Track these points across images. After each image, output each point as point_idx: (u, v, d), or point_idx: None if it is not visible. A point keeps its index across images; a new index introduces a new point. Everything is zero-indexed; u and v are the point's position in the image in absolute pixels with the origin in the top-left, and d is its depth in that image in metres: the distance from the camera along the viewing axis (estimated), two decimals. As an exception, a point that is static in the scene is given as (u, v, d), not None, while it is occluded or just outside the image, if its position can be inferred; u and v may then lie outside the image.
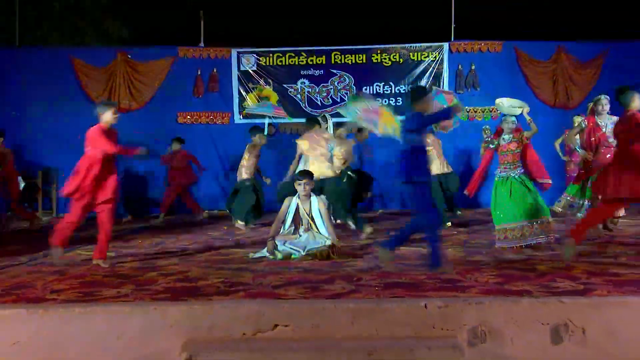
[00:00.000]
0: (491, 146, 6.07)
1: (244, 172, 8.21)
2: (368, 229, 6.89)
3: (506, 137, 5.95)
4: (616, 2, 11.69)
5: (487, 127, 5.78)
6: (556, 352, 3.38)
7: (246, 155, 8.25)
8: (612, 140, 6.52)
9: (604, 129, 6.49)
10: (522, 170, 5.94)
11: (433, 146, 7.70)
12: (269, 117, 10.06)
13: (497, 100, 6.24)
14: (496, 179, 5.99)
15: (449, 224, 7.70)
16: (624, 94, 5.08)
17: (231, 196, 8.39)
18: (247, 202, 8.06)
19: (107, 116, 5.14)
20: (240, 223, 7.99)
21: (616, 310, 3.50)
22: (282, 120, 10.64)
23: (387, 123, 5.92)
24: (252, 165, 8.24)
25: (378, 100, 7.18)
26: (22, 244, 6.59)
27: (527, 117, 5.97)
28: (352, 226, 7.31)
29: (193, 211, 9.79)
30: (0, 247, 6.25)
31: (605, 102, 6.56)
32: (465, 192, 6.56)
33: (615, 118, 6.61)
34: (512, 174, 5.86)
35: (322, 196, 6.12)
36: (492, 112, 10.51)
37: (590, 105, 7.03)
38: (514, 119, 5.99)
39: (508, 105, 6.05)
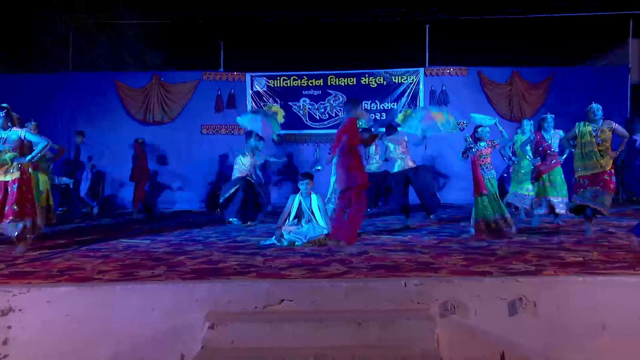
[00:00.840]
0: (473, 150, 5.88)
1: (238, 172, 7.56)
2: None
3: (482, 143, 5.82)
4: (561, 36, 11.79)
5: (467, 137, 5.72)
6: (512, 321, 3.37)
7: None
8: (556, 149, 6.59)
9: (548, 141, 6.55)
10: (495, 173, 5.87)
11: (400, 144, 6.98)
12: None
13: (472, 115, 6.32)
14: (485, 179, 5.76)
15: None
16: None
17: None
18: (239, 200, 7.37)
19: (358, 112, 4.92)
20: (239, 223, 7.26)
21: (562, 287, 3.49)
22: (288, 132, 10.60)
23: (441, 121, 6.07)
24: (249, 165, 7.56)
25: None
26: (73, 234, 6.55)
27: (500, 127, 6.28)
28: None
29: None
30: (56, 237, 6.20)
31: (550, 119, 6.64)
32: (481, 193, 6.04)
33: (560, 132, 6.61)
34: (489, 175, 5.76)
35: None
36: (459, 124, 10.49)
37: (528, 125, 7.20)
38: (488, 129, 5.94)
39: (480, 118, 6.08)
